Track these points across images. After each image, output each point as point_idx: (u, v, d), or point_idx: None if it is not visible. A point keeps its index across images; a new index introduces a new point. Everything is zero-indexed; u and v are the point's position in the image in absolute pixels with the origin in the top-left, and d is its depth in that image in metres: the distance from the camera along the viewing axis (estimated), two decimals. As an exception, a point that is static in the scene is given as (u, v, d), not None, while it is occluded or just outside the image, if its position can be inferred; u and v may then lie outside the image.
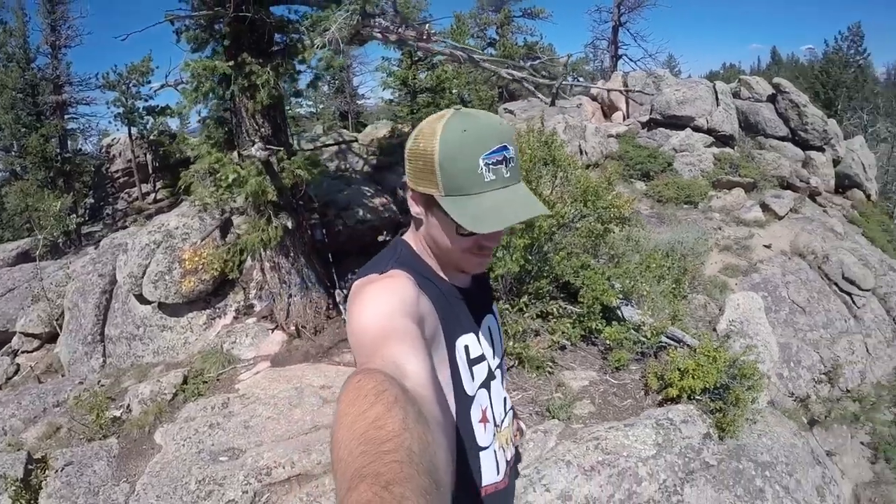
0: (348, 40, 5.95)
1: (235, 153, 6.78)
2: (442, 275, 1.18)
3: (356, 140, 12.65)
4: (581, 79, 23.51)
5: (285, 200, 6.87)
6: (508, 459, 1.33)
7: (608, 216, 5.61)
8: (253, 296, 7.87)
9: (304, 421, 5.25)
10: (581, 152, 12.51)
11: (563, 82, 6.93)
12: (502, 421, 1.30)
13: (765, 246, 10.54)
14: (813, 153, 14.23)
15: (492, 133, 1.03)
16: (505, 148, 1.03)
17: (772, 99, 15.02)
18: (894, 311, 9.58)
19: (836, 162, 14.47)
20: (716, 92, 14.85)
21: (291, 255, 7.15)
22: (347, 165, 10.99)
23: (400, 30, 6.30)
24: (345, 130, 14.54)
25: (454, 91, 14.32)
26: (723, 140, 14.13)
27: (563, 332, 5.26)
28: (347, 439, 0.57)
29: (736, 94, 15.40)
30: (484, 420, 1.20)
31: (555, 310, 5.35)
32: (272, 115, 6.76)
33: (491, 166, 1.01)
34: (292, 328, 7.10)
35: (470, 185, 1.01)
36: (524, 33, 23.57)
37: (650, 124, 14.71)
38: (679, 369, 5.22)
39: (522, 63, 8.22)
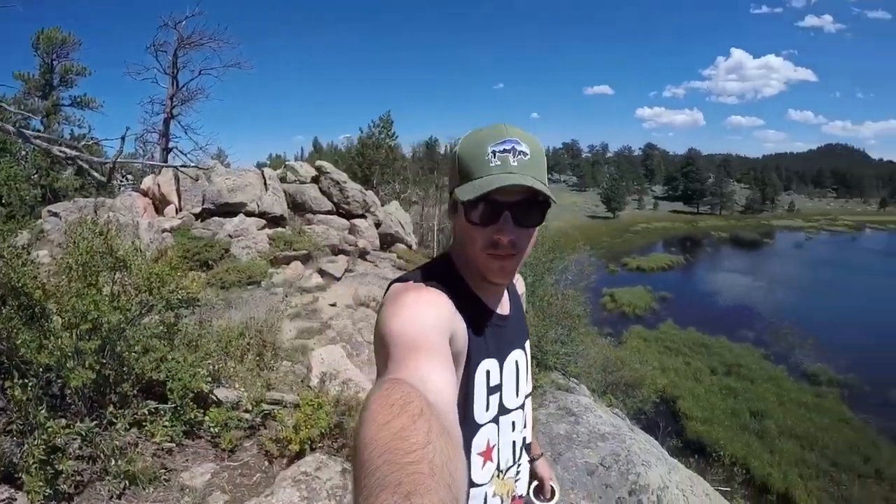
0: None
1: None
2: (479, 296, 1.16)
3: None
4: (130, 176, 22.19)
5: None
6: None
7: (176, 301, 5.37)
8: None
9: None
10: (137, 251, 11.78)
11: (120, 160, 6.43)
12: (508, 468, 1.23)
13: (330, 305, 11.30)
14: (357, 220, 16.43)
15: (503, 131, 1.07)
16: (516, 142, 1.06)
17: (316, 180, 16.87)
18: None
19: (378, 224, 17.07)
20: (264, 178, 15.81)
21: None
22: None
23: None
24: None
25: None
26: (275, 221, 15.00)
27: (164, 434, 4.72)
28: (370, 448, 0.56)
29: (283, 179, 16.73)
30: (486, 456, 1.14)
31: (147, 413, 4.79)
32: None
33: (498, 153, 1.04)
34: None
35: (476, 170, 1.05)
36: (72, 124, 21.34)
37: (203, 214, 14.63)
38: (292, 426, 5.13)
39: (75, 143, 7.36)
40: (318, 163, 17.76)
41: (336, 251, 14.53)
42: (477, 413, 1.11)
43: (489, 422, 1.13)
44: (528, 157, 1.06)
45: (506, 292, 1.28)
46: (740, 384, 18.49)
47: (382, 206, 18.27)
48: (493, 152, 1.04)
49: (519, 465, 1.28)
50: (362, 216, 16.71)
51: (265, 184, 15.71)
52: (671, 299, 34.08)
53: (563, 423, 5.75)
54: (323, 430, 5.11)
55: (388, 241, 17.07)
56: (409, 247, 17.69)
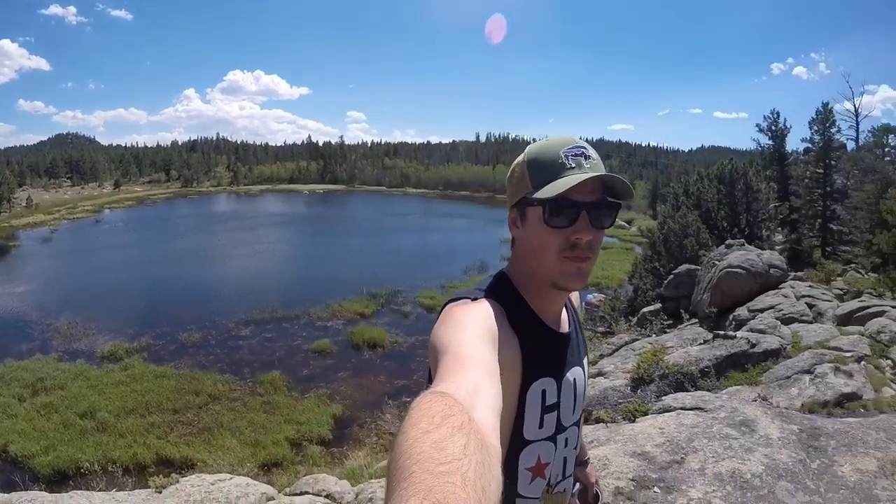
0: None
1: None
2: (537, 313, 1.16)
3: None
4: None
5: None
6: None
7: None
8: None
9: None
10: None
11: None
12: (557, 483, 1.23)
13: None
14: None
15: (572, 138, 1.13)
16: (584, 147, 1.11)
17: None
18: None
19: None
20: None
21: None
22: None
23: None
24: None
25: None
26: None
27: None
28: (406, 455, 0.56)
29: None
30: (537, 472, 1.15)
31: None
32: None
33: (571, 157, 1.09)
34: None
35: (552, 172, 1.09)
36: None
37: None
38: None
39: None
40: None
41: None
42: (527, 430, 1.12)
43: (543, 439, 1.15)
44: (596, 161, 1.11)
45: (564, 310, 1.28)
46: (54, 396, 16.54)
47: None
48: (567, 156, 1.08)
49: (564, 479, 1.29)
50: None
51: None
52: (-77, 347, 27.42)
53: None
54: None
55: None
56: None
